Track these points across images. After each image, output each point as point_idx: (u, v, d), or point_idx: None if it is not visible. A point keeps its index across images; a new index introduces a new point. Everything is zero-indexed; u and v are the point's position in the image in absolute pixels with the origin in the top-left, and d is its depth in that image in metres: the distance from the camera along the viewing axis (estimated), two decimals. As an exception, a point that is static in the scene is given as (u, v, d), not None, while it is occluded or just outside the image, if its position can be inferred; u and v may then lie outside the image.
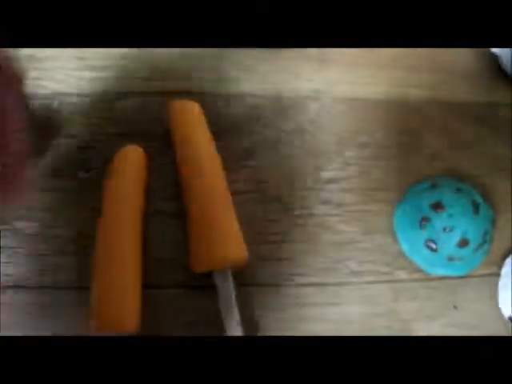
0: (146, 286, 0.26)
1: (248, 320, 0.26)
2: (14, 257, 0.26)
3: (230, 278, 0.25)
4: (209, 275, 0.26)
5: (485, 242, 0.28)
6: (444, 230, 0.27)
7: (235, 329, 0.24)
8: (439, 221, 0.28)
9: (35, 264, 0.26)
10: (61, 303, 0.26)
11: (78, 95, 0.30)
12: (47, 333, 0.25)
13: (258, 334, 0.26)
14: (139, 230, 0.26)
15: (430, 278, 0.29)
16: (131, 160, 0.28)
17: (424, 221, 0.28)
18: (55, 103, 0.30)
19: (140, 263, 0.26)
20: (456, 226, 0.27)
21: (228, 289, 0.25)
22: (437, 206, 0.28)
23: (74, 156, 0.29)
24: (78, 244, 0.27)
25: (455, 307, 0.28)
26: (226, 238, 0.26)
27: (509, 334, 0.27)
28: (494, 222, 0.30)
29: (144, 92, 0.31)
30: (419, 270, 0.29)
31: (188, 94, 0.31)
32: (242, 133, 0.31)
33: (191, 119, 0.29)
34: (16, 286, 0.26)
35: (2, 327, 0.25)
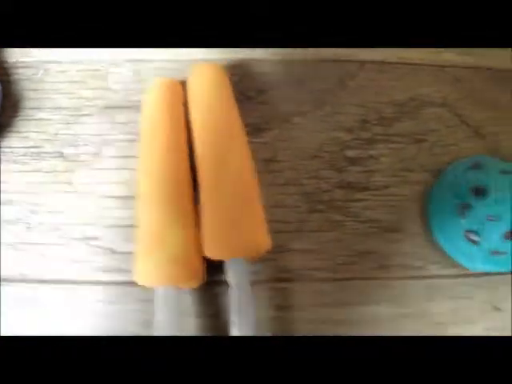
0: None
1: (257, 322, 0.22)
2: None
3: (247, 271, 0.21)
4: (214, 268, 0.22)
5: (535, 233, 0.24)
6: (488, 219, 0.23)
7: (248, 332, 0.20)
8: (482, 208, 0.23)
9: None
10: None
11: (67, 63, 0.27)
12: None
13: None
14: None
15: (467, 274, 0.25)
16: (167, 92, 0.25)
17: (464, 208, 0.24)
18: (40, 72, 0.27)
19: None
20: (502, 214, 0.23)
21: (243, 283, 0.21)
22: (480, 191, 0.24)
23: (61, 132, 0.26)
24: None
25: (497, 308, 0.24)
26: (251, 220, 0.21)
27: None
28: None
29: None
30: (455, 265, 0.25)
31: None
32: (249, 104, 0.27)
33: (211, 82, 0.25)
34: None
35: None
